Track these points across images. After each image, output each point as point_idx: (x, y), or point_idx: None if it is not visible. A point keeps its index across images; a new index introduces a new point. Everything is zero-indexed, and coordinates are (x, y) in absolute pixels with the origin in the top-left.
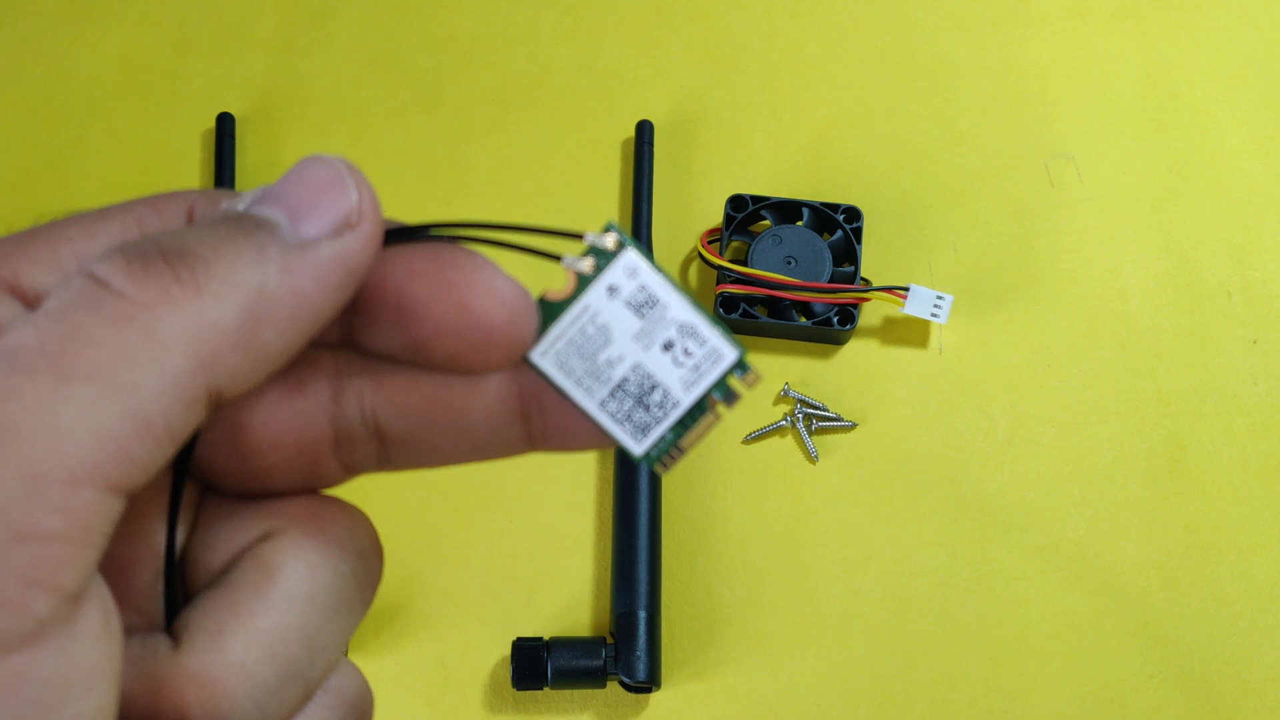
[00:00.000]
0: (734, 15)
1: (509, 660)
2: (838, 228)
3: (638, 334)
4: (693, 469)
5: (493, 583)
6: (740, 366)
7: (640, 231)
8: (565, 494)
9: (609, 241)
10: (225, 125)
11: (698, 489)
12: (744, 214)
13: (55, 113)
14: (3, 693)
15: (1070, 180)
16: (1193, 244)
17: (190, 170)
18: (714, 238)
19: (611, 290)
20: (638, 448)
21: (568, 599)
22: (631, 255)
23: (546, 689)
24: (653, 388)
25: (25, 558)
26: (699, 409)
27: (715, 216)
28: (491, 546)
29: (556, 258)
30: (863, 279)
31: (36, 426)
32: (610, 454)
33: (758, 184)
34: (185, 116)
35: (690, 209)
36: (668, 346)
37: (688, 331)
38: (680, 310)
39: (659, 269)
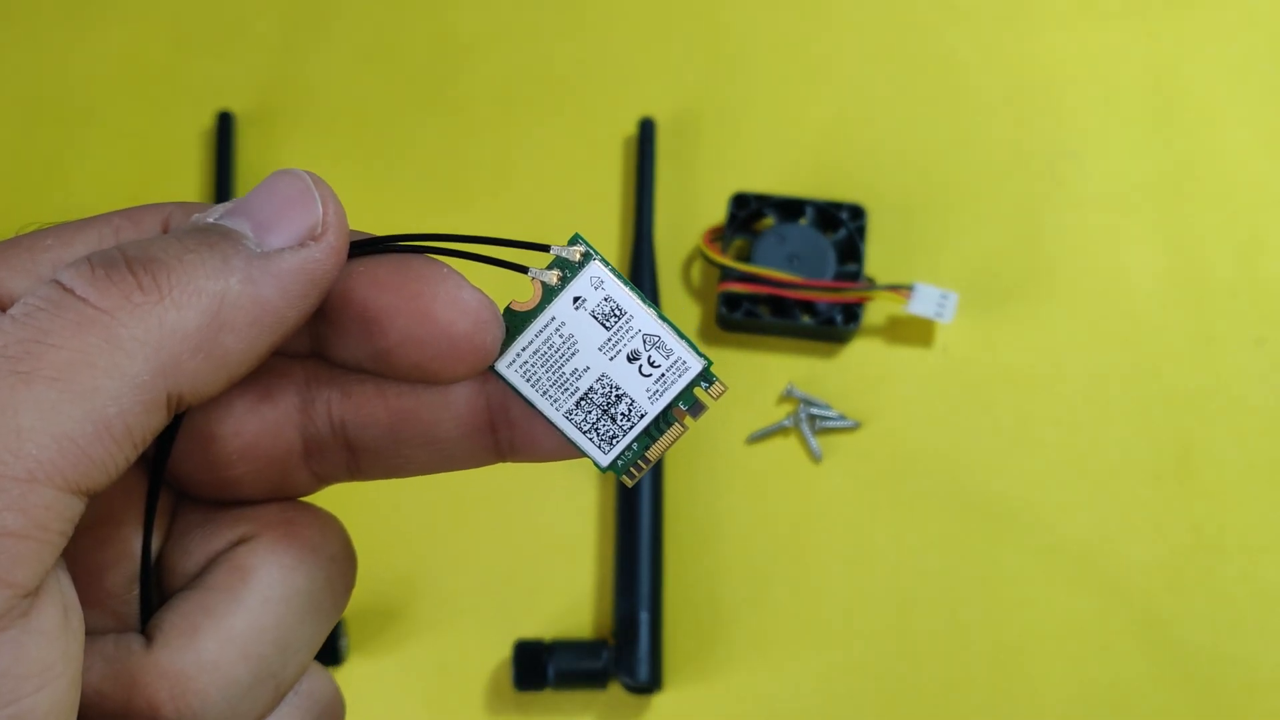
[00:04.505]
0: (737, 12)
1: (510, 662)
2: (841, 226)
3: (604, 345)
4: (695, 469)
5: (494, 584)
6: (706, 378)
7: (642, 230)
8: (567, 495)
9: (575, 253)
10: (225, 124)
11: (700, 490)
12: (747, 212)
13: (54, 112)
14: None
15: (1076, 178)
16: (1199, 243)
17: (190, 169)
18: (717, 236)
19: (577, 301)
20: (604, 459)
21: (569, 600)
22: (596, 267)
23: (548, 691)
24: (619, 398)
25: None
26: (665, 420)
27: (718, 214)
28: (493, 548)
29: (523, 269)
30: (867, 277)
31: None
32: None
33: (761, 182)
34: (185, 115)
35: (693, 207)
36: (633, 357)
37: (653, 342)
38: (645, 321)
39: (625, 281)
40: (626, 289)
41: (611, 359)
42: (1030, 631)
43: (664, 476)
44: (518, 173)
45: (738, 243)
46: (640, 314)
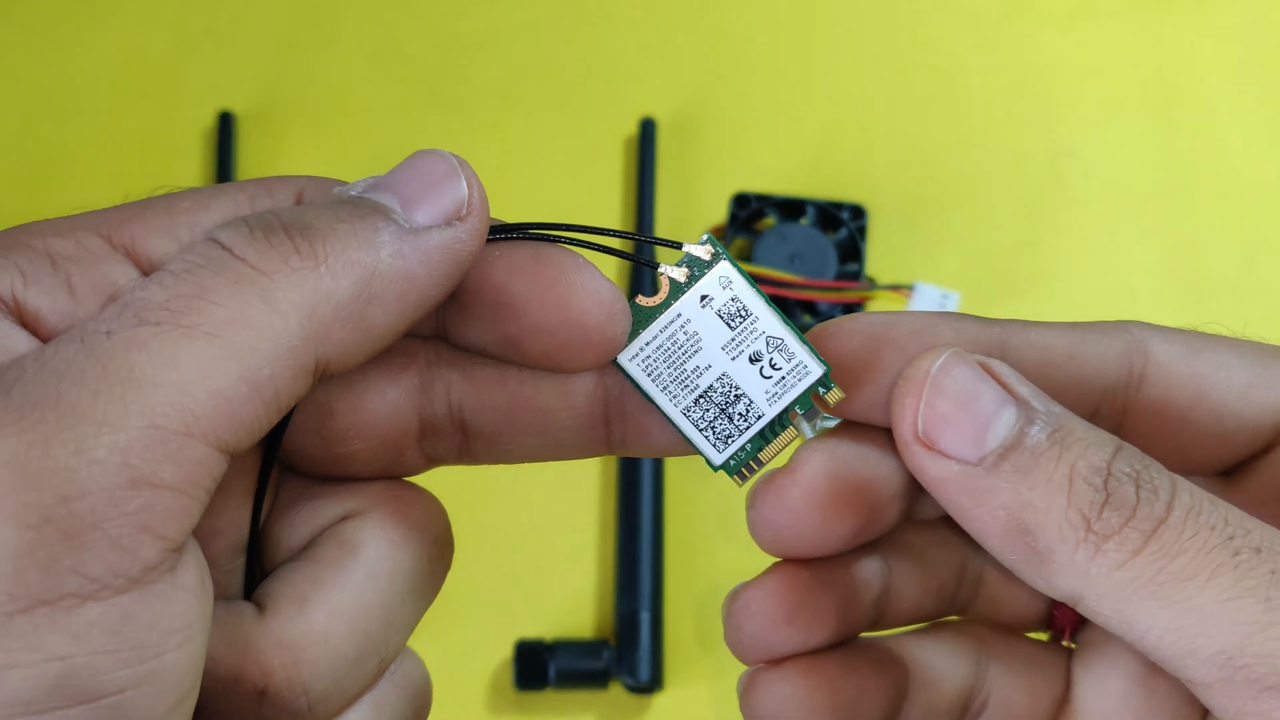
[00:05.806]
0: (738, 11)
1: (511, 661)
2: (842, 225)
3: (727, 344)
4: (695, 469)
5: (495, 584)
6: (824, 383)
7: (644, 229)
8: (568, 495)
9: (705, 252)
10: (226, 123)
11: (700, 489)
12: (748, 212)
13: (56, 110)
14: (106, 632)
15: (1077, 178)
16: (1199, 243)
17: (191, 168)
18: (717, 236)
19: (704, 299)
20: (717, 457)
21: (571, 600)
22: (725, 266)
23: (549, 690)
24: (737, 398)
25: (139, 503)
26: (781, 422)
27: (719, 214)
28: (494, 547)
29: (654, 265)
30: (867, 277)
31: (160, 379)
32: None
33: (762, 182)
34: (186, 114)
35: (694, 207)
36: (755, 359)
37: (776, 345)
38: (770, 323)
39: (751, 282)
40: (753, 290)
41: (734, 359)
42: None
43: (664, 476)
44: (519, 172)
45: (739, 242)
46: (765, 315)
